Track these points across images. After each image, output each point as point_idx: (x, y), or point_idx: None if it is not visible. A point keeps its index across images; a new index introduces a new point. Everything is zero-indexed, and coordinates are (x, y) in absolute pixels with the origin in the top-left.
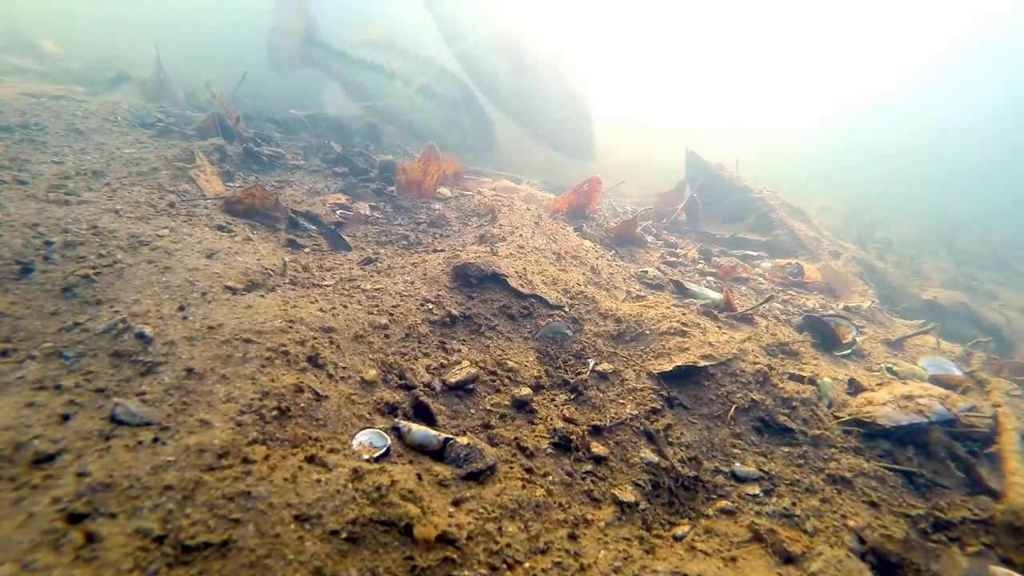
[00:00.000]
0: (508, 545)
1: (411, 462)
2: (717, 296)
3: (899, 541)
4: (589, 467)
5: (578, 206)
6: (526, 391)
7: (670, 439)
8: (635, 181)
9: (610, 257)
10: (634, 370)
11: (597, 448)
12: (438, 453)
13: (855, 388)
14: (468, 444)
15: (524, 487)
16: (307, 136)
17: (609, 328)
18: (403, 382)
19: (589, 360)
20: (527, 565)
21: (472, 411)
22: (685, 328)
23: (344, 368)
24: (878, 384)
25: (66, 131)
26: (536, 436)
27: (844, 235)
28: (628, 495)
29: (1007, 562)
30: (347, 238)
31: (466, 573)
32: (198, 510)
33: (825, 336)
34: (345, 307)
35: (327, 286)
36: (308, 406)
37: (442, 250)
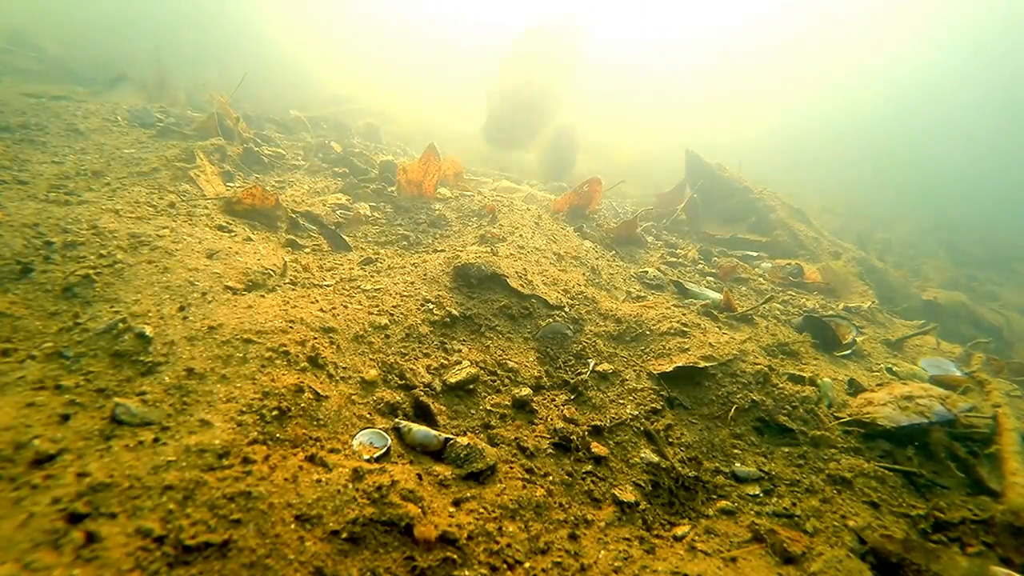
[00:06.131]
0: (508, 545)
1: (411, 462)
2: (717, 296)
3: (899, 541)
4: (589, 467)
5: (578, 206)
6: (526, 391)
7: (670, 439)
8: (635, 181)
9: (610, 257)
10: (634, 370)
11: (597, 448)
12: (438, 453)
13: (855, 388)
14: (468, 444)
15: (524, 487)
16: (307, 136)
17: (609, 328)
18: (403, 382)
19: (589, 360)
20: (527, 565)
21: (472, 411)
22: (685, 328)
23: (344, 368)
24: (878, 385)
25: (66, 131)
26: (536, 436)
27: (844, 235)
28: (628, 495)
29: (1007, 562)
30: (347, 238)
31: (466, 573)
32: (198, 510)
33: (825, 336)
34: (345, 307)
35: (327, 286)
36: (308, 406)
37: (442, 250)
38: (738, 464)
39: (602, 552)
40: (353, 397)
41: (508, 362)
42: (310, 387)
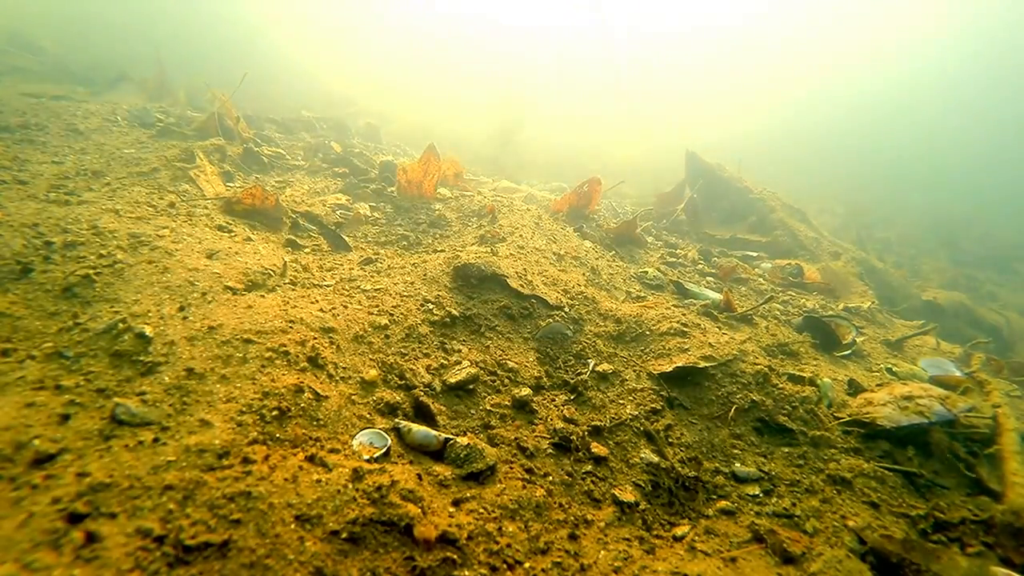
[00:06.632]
0: (508, 545)
1: (411, 462)
2: (717, 297)
3: (899, 541)
4: (589, 467)
5: (578, 206)
6: (526, 391)
7: (670, 439)
8: (635, 181)
9: (610, 258)
10: (634, 370)
11: (597, 448)
12: (438, 453)
13: (855, 389)
14: (468, 444)
15: (524, 487)
16: (307, 136)
17: (609, 329)
18: (403, 382)
19: (589, 360)
20: (527, 565)
21: (472, 411)
22: (685, 329)
23: (344, 368)
24: (878, 385)
25: (66, 131)
26: (536, 436)
27: (844, 235)
28: (628, 495)
29: (1007, 562)
30: (347, 238)
31: (466, 573)
32: (198, 510)
33: (825, 337)
34: (345, 307)
35: (327, 286)
36: (308, 406)
37: (442, 250)
38: (738, 464)
39: (602, 552)
40: (353, 397)
41: (508, 362)
42: (310, 387)
